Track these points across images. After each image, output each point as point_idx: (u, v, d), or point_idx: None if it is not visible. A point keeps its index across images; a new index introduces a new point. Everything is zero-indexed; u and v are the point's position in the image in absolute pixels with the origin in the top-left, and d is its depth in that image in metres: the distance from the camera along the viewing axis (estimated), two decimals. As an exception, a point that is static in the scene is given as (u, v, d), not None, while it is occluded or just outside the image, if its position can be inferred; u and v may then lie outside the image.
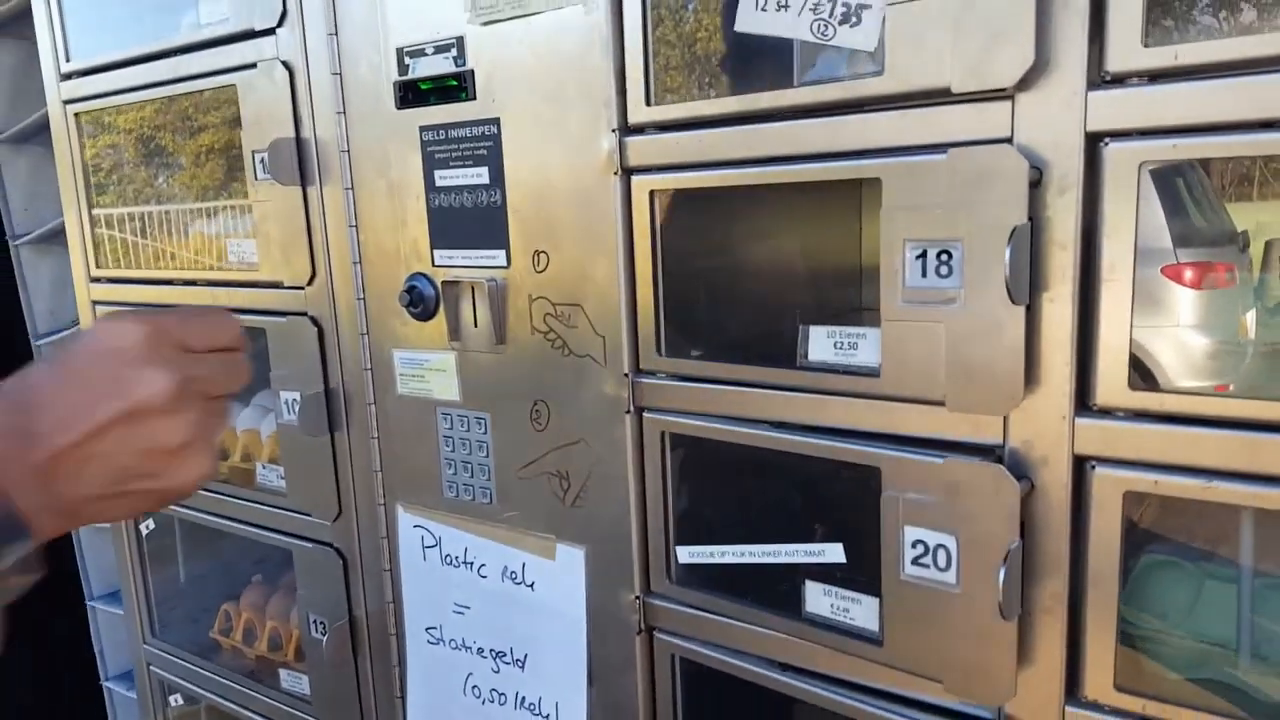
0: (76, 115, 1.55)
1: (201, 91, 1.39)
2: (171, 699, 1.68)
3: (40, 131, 1.76)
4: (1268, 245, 0.97)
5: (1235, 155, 0.76)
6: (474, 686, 1.21)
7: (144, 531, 1.65)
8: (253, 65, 1.27)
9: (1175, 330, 0.92)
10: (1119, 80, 0.73)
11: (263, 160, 1.28)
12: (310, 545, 1.38)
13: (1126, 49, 0.72)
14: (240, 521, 1.49)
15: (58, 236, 1.80)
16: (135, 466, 0.55)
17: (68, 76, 1.55)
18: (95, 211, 1.58)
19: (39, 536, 0.54)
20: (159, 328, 0.56)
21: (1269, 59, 0.68)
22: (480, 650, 1.20)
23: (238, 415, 1.59)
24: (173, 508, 1.60)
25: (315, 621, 1.39)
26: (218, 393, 0.59)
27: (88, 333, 0.56)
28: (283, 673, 1.50)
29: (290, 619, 1.59)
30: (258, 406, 1.62)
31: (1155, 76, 0.72)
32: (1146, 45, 0.71)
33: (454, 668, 1.22)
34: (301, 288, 1.30)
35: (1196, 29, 0.79)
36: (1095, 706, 0.82)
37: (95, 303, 1.61)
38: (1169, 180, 0.89)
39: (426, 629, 1.25)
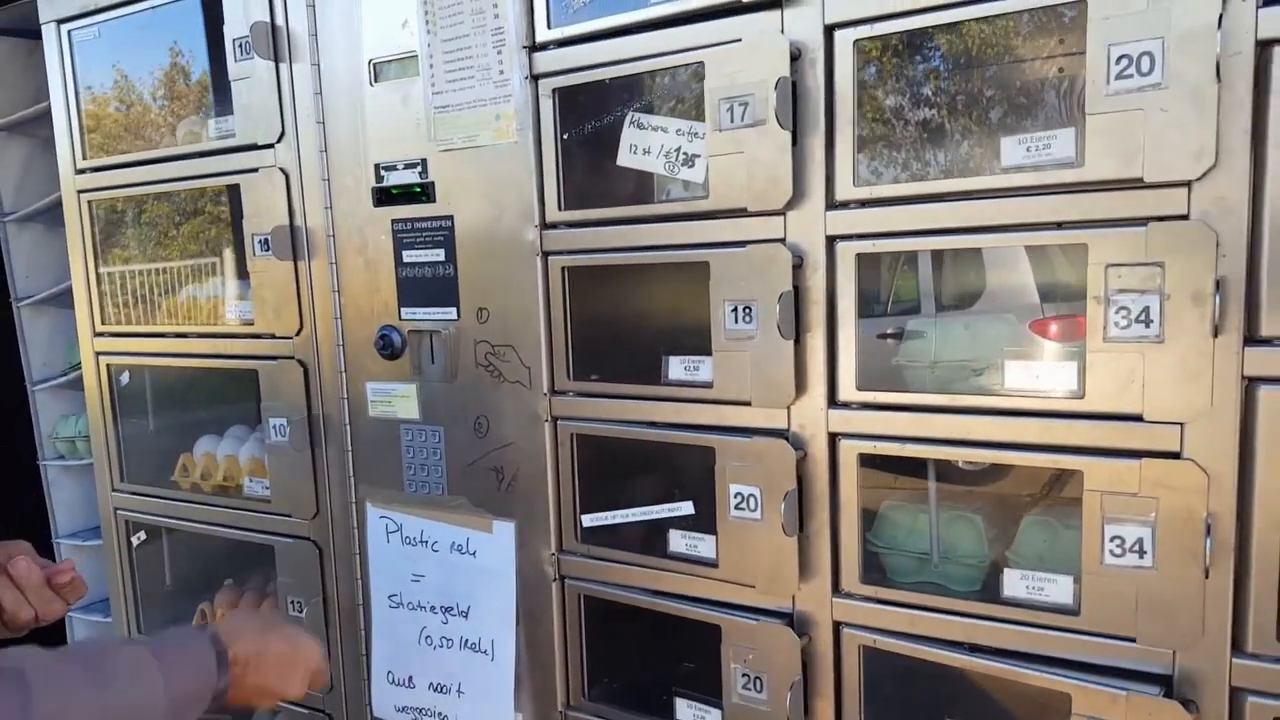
0: (89, 202, 1.91)
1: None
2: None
3: (43, 212, 2.10)
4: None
5: (905, 250, 1.25)
6: (427, 636, 1.59)
7: (135, 543, 1.96)
8: (255, 170, 1.68)
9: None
10: (843, 205, 1.22)
11: (262, 241, 1.67)
12: (290, 540, 1.73)
13: (844, 188, 1.21)
14: (228, 526, 1.83)
15: (53, 299, 2.13)
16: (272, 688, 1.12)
17: (82, 171, 1.91)
18: (103, 270, 1.92)
19: (233, 679, 1.09)
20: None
21: (918, 196, 1.18)
22: (432, 608, 1.58)
23: (218, 445, 1.94)
24: (166, 518, 1.94)
25: (293, 602, 1.74)
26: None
27: (286, 634, 1.18)
28: (260, 652, 1.82)
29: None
30: (233, 438, 1.97)
31: (863, 203, 1.22)
32: (855, 185, 1.21)
33: (411, 624, 1.60)
34: (290, 337, 1.68)
35: (893, 174, 1.29)
36: (850, 595, 1.28)
37: (99, 354, 1.95)
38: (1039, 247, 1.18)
39: (389, 596, 1.62)
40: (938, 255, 1.33)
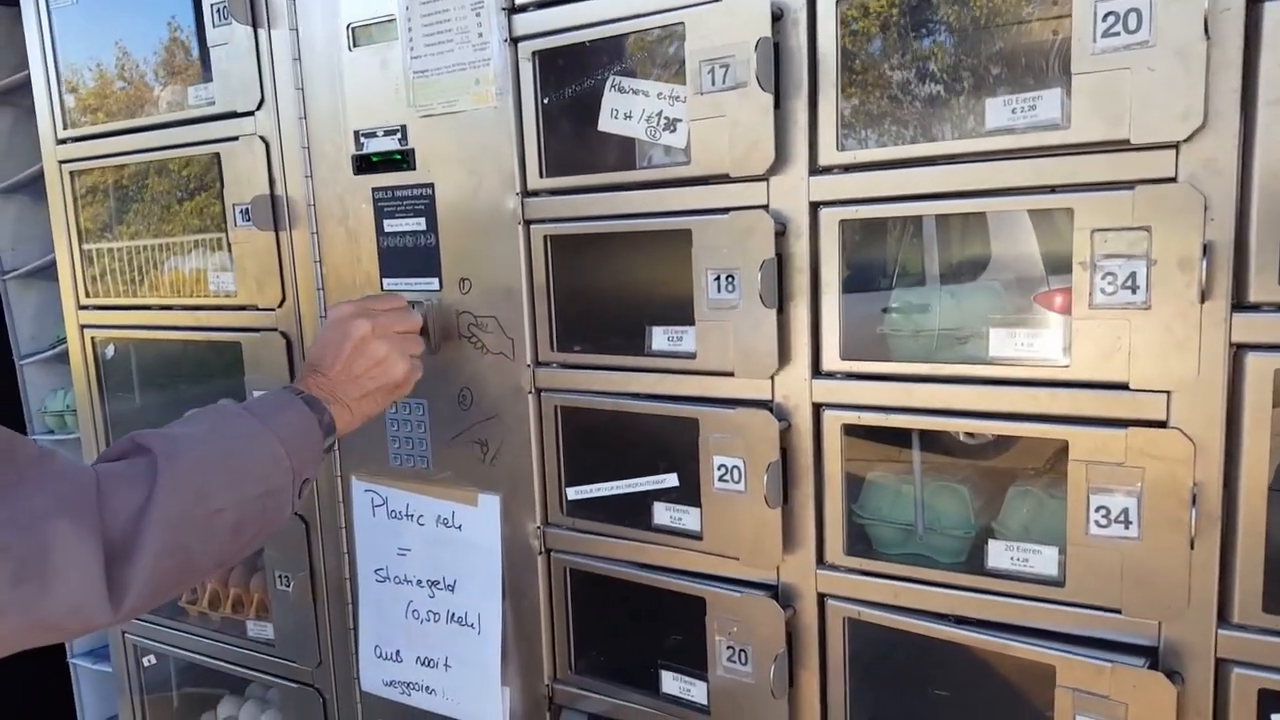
0: (71, 173, 1.89)
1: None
2: (145, 660, 1.97)
3: (29, 183, 2.08)
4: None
5: (889, 215, 1.22)
6: (414, 611, 1.58)
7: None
8: (235, 138, 1.65)
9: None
10: (826, 170, 1.20)
11: (243, 211, 1.65)
12: (277, 514, 1.72)
13: (828, 152, 1.18)
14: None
15: (40, 272, 2.11)
16: (369, 372, 1.16)
17: (64, 141, 1.89)
18: (86, 247, 1.90)
19: (340, 430, 1.15)
20: (358, 304, 1.22)
21: (903, 160, 1.15)
22: (419, 581, 1.57)
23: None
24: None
25: (280, 576, 1.73)
26: (399, 329, 1.23)
27: (327, 319, 1.21)
28: (249, 624, 1.83)
29: (250, 585, 1.91)
30: (222, 412, 1.96)
31: (846, 168, 1.19)
32: (840, 150, 1.18)
33: (397, 598, 1.59)
34: (273, 309, 1.67)
35: (877, 138, 1.26)
36: (834, 567, 1.27)
37: (84, 326, 1.93)
38: (1045, 214, 1.15)
39: (375, 570, 1.62)
40: (942, 227, 1.29)
